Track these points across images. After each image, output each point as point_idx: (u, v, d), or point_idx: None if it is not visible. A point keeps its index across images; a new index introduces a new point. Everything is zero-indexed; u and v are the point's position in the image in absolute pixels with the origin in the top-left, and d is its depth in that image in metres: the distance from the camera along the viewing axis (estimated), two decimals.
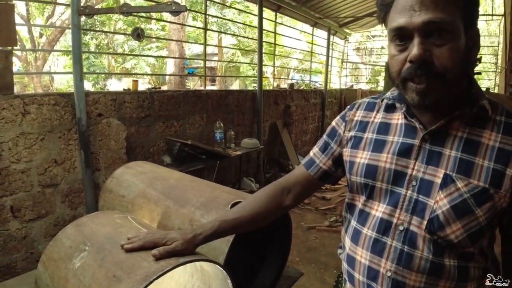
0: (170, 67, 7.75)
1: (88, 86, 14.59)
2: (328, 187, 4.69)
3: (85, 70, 13.61)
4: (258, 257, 1.57)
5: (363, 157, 0.90)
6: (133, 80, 3.45)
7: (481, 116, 0.79)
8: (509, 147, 0.77)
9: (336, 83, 9.32)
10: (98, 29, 11.96)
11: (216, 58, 13.75)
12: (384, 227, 0.83)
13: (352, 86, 9.69)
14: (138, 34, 2.58)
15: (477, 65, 0.85)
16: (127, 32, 6.99)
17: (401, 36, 0.76)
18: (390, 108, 0.91)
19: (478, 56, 0.86)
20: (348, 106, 1.02)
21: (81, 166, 3.03)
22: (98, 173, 3.16)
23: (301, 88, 7.98)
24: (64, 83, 15.40)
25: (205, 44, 4.32)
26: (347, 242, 0.93)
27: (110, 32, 9.90)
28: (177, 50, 7.17)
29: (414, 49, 0.73)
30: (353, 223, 0.92)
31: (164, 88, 8.49)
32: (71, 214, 3.07)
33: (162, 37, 11.44)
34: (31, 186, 2.79)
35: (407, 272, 0.80)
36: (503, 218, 0.82)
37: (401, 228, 0.81)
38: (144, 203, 1.54)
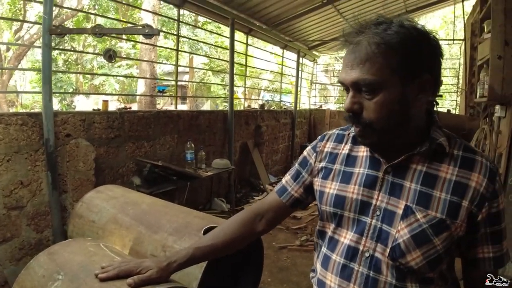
0: (141, 86, 7.70)
1: (55, 102, 14.18)
2: None
3: (53, 86, 13.28)
4: (231, 279, 1.59)
5: (332, 187, 0.96)
6: (103, 101, 3.42)
7: (440, 151, 0.86)
8: (465, 180, 0.84)
9: (305, 103, 9.55)
10: (67, 44, 11.70)
11: (187, 76, 13.77)
12: (352, 253, 0.90)
13: (321, 106, 9.95)
14: (110, 56, 2.60)
15: (437, 103, 0.92)
16: (99, 53, 6.91)
17: (346, 87, 0.85)
18: (355, 140, 0.98)
19: (440, 92, 0.95)
20: (319, 137, 1.08)
21: (48, 188, 2.95)
22: (65, 195, 3.09)
23: (271, 108, 8.13)
24: (29, 98, 14.91)
25: (176, 65, 4.35)
26: (318, 267, 0.99)
27: (81, 52, 9.73)
28: (148, 69, 7.15)
29: (345, 101, 0.84)
30: (324, 249, 0.98)
31: (134, 106, 8.41)
32: (37, 237, 2.96)
33: (133, 58, 11.36)
34: None
35: None
36: (462, 244, 0.89)
37: (366, 254, 0.87)
38: (115, 229, 1.53)
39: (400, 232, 0.84)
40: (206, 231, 1.27)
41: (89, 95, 14.19)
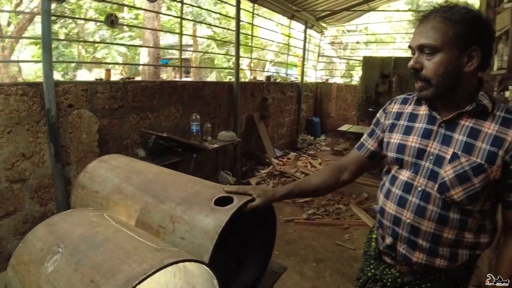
0: (144, 57, 7.48)
1: (57, 76, 14.02)
2: None
3: (54, 60, 13.09)
4: (242, 254, 1.52)
5: (396, 138, 1.20)
6: (106, 70, 3.30)
7: (485, 111, 1.07)
8: (503, 135, 1.04)
9: (312, 77, 9.35)
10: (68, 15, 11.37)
11: (191, 49, 13.49)
12: (408, 187, 1.14)
13: (327, 80, 9.73)
14: (112, 21, 2.46)
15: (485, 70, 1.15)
16: (100, 19, 6.64)
17: (413, 51, 1.09)
18: (419, 102, 1.21)
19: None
20: (388, 101, 1.33)
21: (51, 160, 2.88)
22: (69, 167, 3.02)
23: (277, 81, 7.96)
24: (32, 74, 14.74)
25: (180, 34, 4.19)
26: (381, 197, 1.24)
27: (81, 19, 9.43)
28: (151, 39, 6.93)
29: (410, 61, 1.08)
30: (387, 184, 1.23)
31: (138, 79, 8.24)
32: (41, 210, 2.91)
33: (136, 25, 11.06)
34: None
35: (422, 220, 1.10)
36: (498, 189, 1.09)
37: (419, 189, 1.12)
38: (120, 199, 1.45)
39: (447, 172, 1.06)
40: (217, 201, 1.18)
41: (92, 69, 13.97)
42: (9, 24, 11.66)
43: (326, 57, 10.38)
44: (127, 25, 12.29)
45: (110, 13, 2.53)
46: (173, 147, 3.43)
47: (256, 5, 5.87)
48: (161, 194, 1.33)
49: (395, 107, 1.28)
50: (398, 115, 1.25)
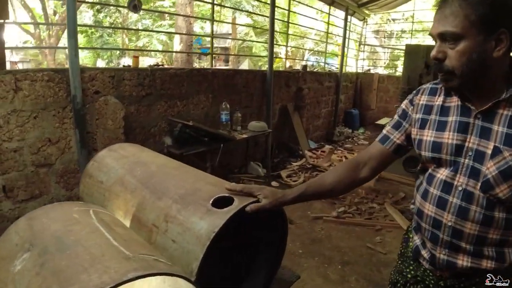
0: (177, 44, 7.43)
1: (102, 64, 14.49)
2: None
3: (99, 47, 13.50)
4: (250, 258, 1.39)
5: (429, 135, 1.08)
6: (134, 56, 3.26)
7: None
8: None
9: (352, 67, 8.96)
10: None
11: (230, 40, 13.42)
12: (447, 187, 1.03)
13: (369, 70, 9.29)
14: (135, 5, 2.38)
15: None
16: (123, 5, 6.62)
17: (435, 39, 0.98)
18: (449, 92, 1.08)
19: None
20: (414, 92, 1.19)
21: (77, 146, 2.89)
22: (95, 154, 3.01)
23: (318, 70, 7.67)
24: (80, 61, 15.30)
25: (212, 20, 4.08)
26: (418, 198, 1.13)
27: (105, 4, 9.49)
28: (184, 26, 6.86)
29: (432, 50, 0.98)
30: (424, 183, 1.11)
31: (167, 66, 8.25)
32: (67, 195, 2.94)
33: (164, 11, 11.04)
34: (24, 165, 2.67)
35: (465, 222, 1.00)
36: None
37: (460, 188, 1.01)
38: (121, 192, 1.36)
39: (490, 169, 0.96)
40: (216, 202, 1.05)
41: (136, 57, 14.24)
42: (55, 13, 12.13)
43: (368, 46, 9.90)
44: (153, 11, 12.31)
45: None
46: (200, 136, 3.33)
47: None
48: (160, 190, 1.22)
49: (422, 99, 1.15)
50: (428, 109, 1.12)
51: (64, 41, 15.00)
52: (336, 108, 7.24)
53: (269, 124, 4.65)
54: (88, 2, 5.88)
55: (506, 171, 0.94)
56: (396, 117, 1.23)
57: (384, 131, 1.23)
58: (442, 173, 1.05)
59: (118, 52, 14.32)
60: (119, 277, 0.68)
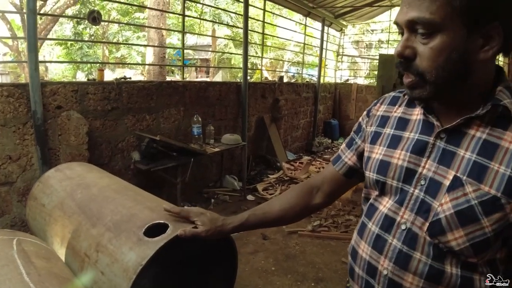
0: (149, 55, 7.33)
1: (81, 76, 14.25)
2: None
3: (78, 60, 13.31)
4: (203, 280, 1.29)
5: (378, 152, 0.89)
6: (99, 70, 3.16)
7: (505, 115, 0.72)
8: None
9: (332, 77, 9.00)
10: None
11: (210, 49, 13.38)
12: (388, 223, 0.83)
13: (347, 80, 9.36)
14: (94, 18, 2.29)
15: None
16: (83, 17, 6.52)
17: (401, 30, 0.76)
18: (412, 103, 0.88)
19: None
20: (375, 101, 1.00)
21: (39, 163, 2.76)
22: None
23: (296, 81, 7.66)
24: (59, 73, 15.05)
25: (183, 32, 4.01)
26: (354, 234, 0.94)
27: (63, 17, 9.24)
28: (156, 38, 6.76)
29: (397, 45, 0.74)
30: (362, 217, 0.92)
31: (136, 79, 8.15)
32: None
33: (132, 23, 10.91)
34: None
35: (404, 273, 0.78)
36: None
37: (403, 227, 0.80)
38: (59, 217, 1.27)
39: (444, 206, 0.74)
40: (151, 229, 0.96)
41: (115, 69, 14.09)
42: None
43: (346, 56, 9.99)
44: (114, 22, 12.09)
45: (92, 10, 2.37)
46: (168, 151, 3.24)
47: (268, 1, 5.61)
48: (96, 215, 1.13)
49: (381, 109, 0.95)
50: (384, 121, 0.92)
51: (44, 53, 14.74)
52: (315, 118, 7.23)
53: (245, 136, 4.58)
54: (48, 15, 5.73)
55: (464, 212, 0.71)
56: (352, 132, 1.03)
57: (339, 150, 1.06)
58: (385, 205, 0.85)
59: (98, 64, 14.13)
60: None
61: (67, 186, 1.39)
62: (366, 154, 0.93)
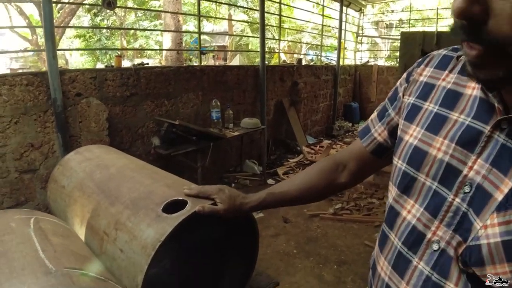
0: (167, 41, 7.32)
1: (100, 66, 14.45)
2: None
3: (97, 52, 13.50)
4: (220, 265, 1.27)
5: (413, 134, 0.66)
6: (116, 56, 3.15)
7: None
8: None
9: (352, 59, 8.80)
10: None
11: (227, 36, 13.30)
12: (414, 239, 0.62)
13: (367, 62, 9.13)
14: (109, 2, 2.27)
15: None
16: (98, 3, 6.41)
17: None
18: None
19: None
20: (419, 60, 0.73)
21: (60, 150, 2.80)
22: None
23: (315, 64, 7.50)
24: (79, 66, 15.31)
25: (199, 16, 3.96)
26: (376, 243, 0.76)
27: (78, 4, 9.27)
28: (172, 24, 6.73)
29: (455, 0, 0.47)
30: (384, 223, 0.73)
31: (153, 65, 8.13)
32: None
33: (148, 9, 10.85)
34: (7, 172, 2.60)
35: None
36: None
37: (435, 247, 0.58)
38: (79, 197, 1.27)
39: (488, 229, 0.51)
40: (169, 206, 0.94)
41: (133, 59, 14.20)
42: None
43: (366, 37, 9.73)
44: (130, 8, 12.04)
45: None
46: (188, 136, 3.23)
47: None
48: (114, 194, 1.12)
49: (425, 73, 0.70)
50: (427, 90, 0.67)
51: (62, 46, 14.99)
52: (335, 101, 7.10)
53: (264, 120, 4.53)
54: (64, 3, 5.78)
55: None
56: (386, 99, 0.81)
57: (369, 119, 0.85)
58: (410, 210, 0.64)
59: (118, 53, 14.26)
60: None
61: (86, 167, 1.39)
62: (399, 132, 0.72)
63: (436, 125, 0.62)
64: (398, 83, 0.77)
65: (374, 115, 0.84)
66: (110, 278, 0.79)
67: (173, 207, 0.96)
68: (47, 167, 2.79)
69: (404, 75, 0.75)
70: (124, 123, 3.21)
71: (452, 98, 0.62)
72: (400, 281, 0.63)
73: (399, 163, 0.68)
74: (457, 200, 0.56)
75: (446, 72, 0.66)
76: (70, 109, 2.83)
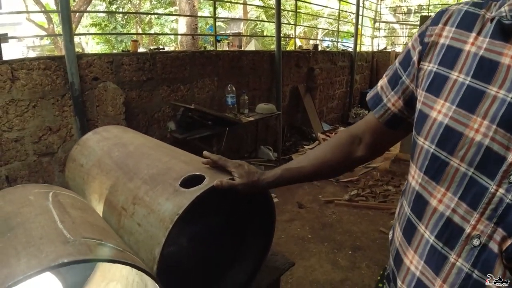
0: (182, 27, 7.28)
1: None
2: None
3: (113, 39, 13.58)
4: (237, 244, 1.28)
5: (442, 111, 0.56)
6: (132, 41, 3.16)
7: None
8: None
9: (369, 46, 8.63)
10: None
11: (242, 23, 13.22)
12: (450, 233, 0.55)
13: (385, 48, 8.95)
14: None
15: None
16: None
17: None
18: (503, 31, 0.52)
19: None
20: (436, 13, 0.63)
21: (78, 134, 2.84)
22: None
23: (331, 50, 7.40)
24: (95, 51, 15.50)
25: (214, 0, 3.92)
26: (397, 230, 0.68)
27: None
28: (187, 9, 6.70)
29: None
30: (407, 208, 0.64)
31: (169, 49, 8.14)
32: None
33: None
34: (26, 155, 2.65)
35: None
36: None
37: (475, 242, 0.52)
38: (97, 174, 1.28)
39: None
40: (187, 181, 0.94)
41: (148, 47, 14.24)
42: None
43: (383, 23, 9.52)
44: None
45: None
46: (203, 120, 3.23)
47: None
48: (132, 170, 1.12)
49: (445, 34, 0.59)
50: (453, 56, 0.58)
51: (79, 31, 15.14)
52: (351, 88, 7.00)
53: (279, 106, 4.50)
54: None
55: None
56: (396, 62, 0.72)
57: (378, 85, 0.77)
58: (442, 200, 0.57)
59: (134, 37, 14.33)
60: (47, 263, 0.61)
61: (104, 146, 1.41)
62: (419, 105, 0.62)
63: (470, 101, 0.53)
64: (409, 45, 0.67)
65: (383, 81, 0.74)
66: (128, 250, 0.79)
67: (191, 182, 0.96)
68: (65, 150, 2.83)
69: (416, 35, 0.66)
70: (140, 108, 3.23)
71: (487, 69, 0.52)
72: (435, 278, 0.57)
73: (426, 144, 0.59)
74: (501, 190, 0.50)
75: (474, 34, 0.56)
76: (87, 93, 2.86)
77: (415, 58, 0.64)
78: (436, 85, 0.58)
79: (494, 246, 0.51)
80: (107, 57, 2.97)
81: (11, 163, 2.60)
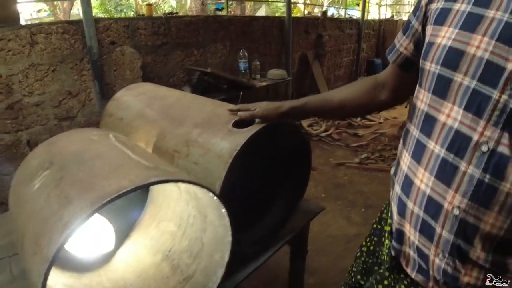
0: None
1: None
2: (361, 123, 4.37)
3: (112, 9, 13.32)
4: (272, 190, 1.36)
5: (446, 36, 0.62)
6: (147, 5, 3.15)
7: None
8: None
9: (376, 13, 8.52)
10: None
11: None
12: (459, 143, 0.58)
13: (392, 17, 8.84)
14: None
15: None
16: None
17: None
18: None
19: None
20: None
21: (97, 98, 2.89)
22: None
23: (339, 17, 7.32)
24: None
25: None
26: (405, 157, 0.72)
27: None
28: None
29: None
30: (415, 131, 0.69)
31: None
32: None
33: None
34: (46, 119, 2.70)
35: (485, 212, 0.56)
36: None
37: (484, 148, 0.56)
38: (140, 125, 1.35)
39: None
40: (236, 124, 1.02)
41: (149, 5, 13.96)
42: None
43: None
44: None
45: None
46: (218, 84, 3.27)
47: None
48: (179, 118, 1.20)
49: None
50: None
51: (78, 6, 14.83)
52: (358, 57, 6.98)
53: (289, 72, 4.52)
54: None
55: None
56: (411, 13, 0.79)
57: (396, 37, 0.85)
58: (450, 114, 0.60)
59: (131, 13, 14.06)
60: (139, 181, 0.67)
61: (143, 99, 1.47)
62: (427, 39, 0.68)
63: (471, 23, 0.59)
64: None
65: (399, 33, 0.83)
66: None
67: (240, 126, 1.04)
68: (84, 114, 2.89)
69: None
70: (155, 72, 3.27)
71: None
72: (446, 190, 0.60)
73: (432, 67, 0.64)
74: (504, 97, 0.54)
75: None
76: (105, 57, 2.89)
77: (423, 2, 0.72)
78: (442, 17, 0.65)
79: (504, 150, 0.54)
80: (123, 21, 2.98)
81: (33, 127, 2.65)
